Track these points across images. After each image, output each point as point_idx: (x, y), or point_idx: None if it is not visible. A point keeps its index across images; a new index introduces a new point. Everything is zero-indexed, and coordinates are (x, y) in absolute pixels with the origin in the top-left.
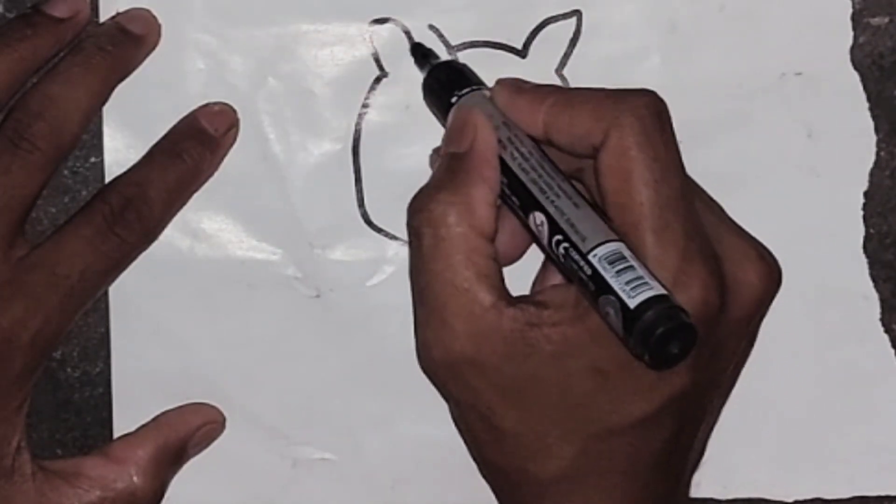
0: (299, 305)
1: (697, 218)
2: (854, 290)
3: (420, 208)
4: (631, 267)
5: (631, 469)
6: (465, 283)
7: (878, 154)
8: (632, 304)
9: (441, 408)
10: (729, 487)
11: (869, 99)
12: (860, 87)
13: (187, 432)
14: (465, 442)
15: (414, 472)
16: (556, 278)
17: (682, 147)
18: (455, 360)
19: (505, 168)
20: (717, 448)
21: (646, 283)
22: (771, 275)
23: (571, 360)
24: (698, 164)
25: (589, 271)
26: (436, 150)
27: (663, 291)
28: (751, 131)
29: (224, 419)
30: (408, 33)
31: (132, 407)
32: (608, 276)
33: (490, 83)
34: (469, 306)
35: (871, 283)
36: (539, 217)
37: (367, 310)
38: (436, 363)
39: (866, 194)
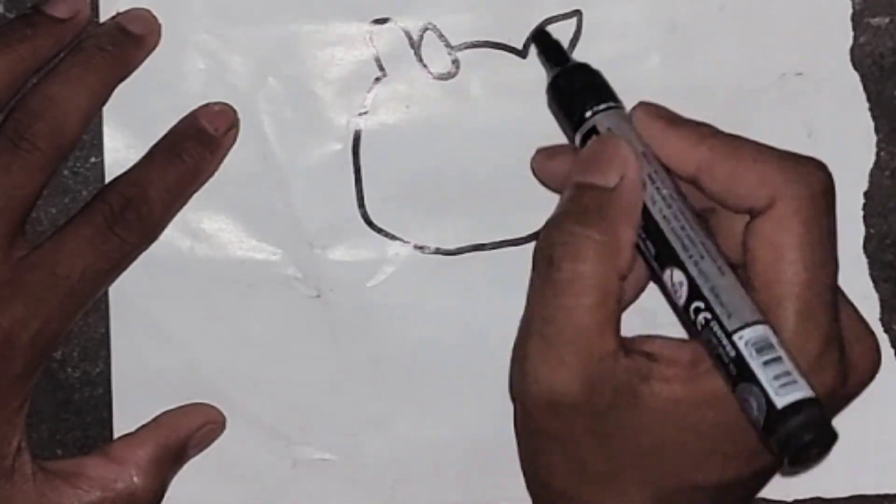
0: (299, 305)
1: (837, 305)
2: (854, 290)
3: (562, 241)
4: (779, 358)
5: None
6: (594, 326)
7: (878, 154)
8: (779, 403)
9: (441, 408)
10: None
11: (869, 99)
12: (860, 87)
13: (187, 432)
14: (527, 460)
15: (414, 472)
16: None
17: None
18: (561, 401)
19: (644, 209)
20: None
21: (795, 382)
22: (878, 360)
23: (677, 417)
24: None
25: (733, 353)
26: (541, 151)
27: (811, 393)
28: (751, 131)
29: (224, 419)
30: (408, 33)
31: (132, 407)
32: (755, 365)
33: (491, 83)
34: (592, 350)
35: (871, 284)
36: (678, 275)
37: (367, 310)
38: (539, 398)
39: (866, 194)
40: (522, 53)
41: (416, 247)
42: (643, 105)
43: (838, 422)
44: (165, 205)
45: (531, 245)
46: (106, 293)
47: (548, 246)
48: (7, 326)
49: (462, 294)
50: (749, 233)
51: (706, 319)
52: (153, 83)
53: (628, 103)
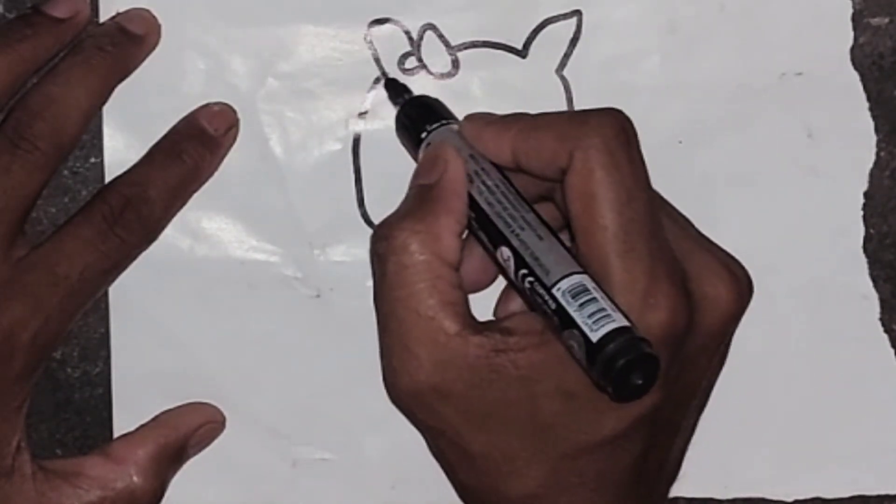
0: (299, 305)
1: (664, 237)
2: (854, 290)
3: (385, 235)
4: (593, 299)
5: (601, 486)
6: (430, 311)
7: (878, 154)
8: (594, 337)
9: None
10: (729, 487)
11: (869, 99)
12: (860, 87)
13: (187, 432)
14: (440, 465)
15: (414, 472)
16: (519, 303)
17: (682, 147)
18: (420, 389)
19: (473, 202)
20: (718, 448)
21: (608, 316)
22: (740, 289)
23: (539, 383)
24: (698, 164)
25: (553, 305)
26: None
27: (625, 323)
28: (751, 131)
29: (224, 419)
30: (408, 33)
31: (132, 407)
32: (571, 309)
33: (490, 83)
34: (433, 334)
35: (870, 283)
36: (506, 252)
37: (367, 310)
38: (402, 391)
39: (866, 194)
40: (522, 53)
41: None
42: (467, 116)
43: (838, 422)
44: (165, 205)
45: None
46: (106, 293)
47: (375, 244)
48: (7, 326)
49: None
50: (563, 194)
51: (531, 283)
52: (153, 83)
53: (628, 103)
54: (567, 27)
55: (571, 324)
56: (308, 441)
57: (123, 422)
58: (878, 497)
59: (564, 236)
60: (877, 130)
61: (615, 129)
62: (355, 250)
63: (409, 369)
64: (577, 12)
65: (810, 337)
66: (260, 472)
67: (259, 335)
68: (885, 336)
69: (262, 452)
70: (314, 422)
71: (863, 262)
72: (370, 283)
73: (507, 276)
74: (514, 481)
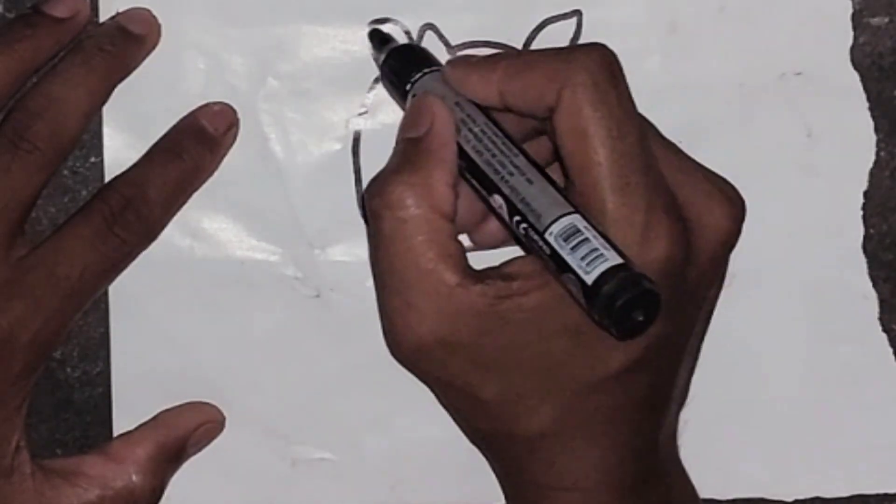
0: (299, 305)
1: (658, 168)
2: (853, 290)
3: (378, 192)
4: (586, 240)
5: (613, 418)
6: (430, 264)
7: (878, 154)
8: (589, 279)
9: (441, 408)
10: (729, 487)
11: (869, 99)
12: (860, 87)
13: (186, 431)
14: (449, 413)
15: (414, 472)
16: (495, 227)
17: (682, 147)
18: (425, 342)
19: (461, 151)
20: (718, 448)
21: (601, 256)
22: (734, 212)
23: (545, 323)
24: None
25: (548, 250)
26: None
27: (619, 261)
28: (751, 131)
29: (223, 418)
30: (408, 33)
31: (132, 407)
32: (564, 253)
33: None
34: (435, 286)
35: (870, 283)
36: (498, 199)
37: (367, 310)
38: (406, 347)
39: (866, 194)
40: None
41: None
42: (449, 60)
43: (838, 421)
44: (165, 205)
45: None
46: (106, 293)
47: (369, 201)
48: (7, 326)
49: None
50: (554, 133)
51: (524, 229)
52: (153, 83)
53: None
54: (567, 27)
55: (566, 267)
56: (307, 441)
57: (123, 421)
58: (878, 497)
59: (557, 173)
60: (877, 130)
61: (602, 64)
62: (355, 250)
63: (412, 324)
64: (577, 12)
65: (810, 337)
66: (259, 472)
67: (259, 335)
68: (885, 336)
69: (261, 452)
70: (314, 422)
71: (863, 262)
72: (370, 282)
73: (503, 222)
74: (526, 421)
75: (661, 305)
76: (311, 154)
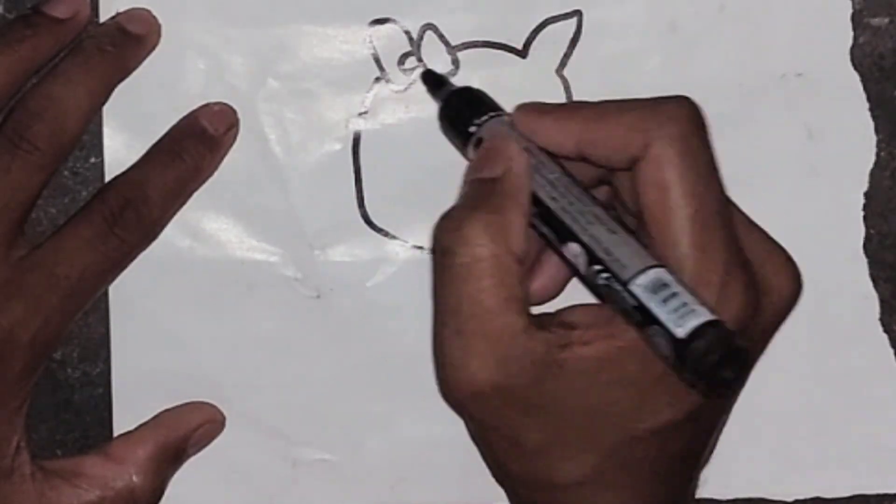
0: (299, 305)
1: (735, 229)
2: (854, 291)
3: (453, 227)
4: (675, 294)
5: (651, 472)
6: (498, 307)
7: (878, 154)
8: (679, 333)
9: (441, 407)
10: (729, 487)
11: (869, 99)
12: (860, 88)
13: (187, 431)
14: (481, 453)
15: (414, 472)
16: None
17: None
18: (482, 388)
19: (535, 197)
20: (718, 448)
21: (692, 311)
22: (797, 278)
23: (602, 374)
24: None
25: (633, 302)
26: (461, 189)
27: (711, 317)
28: (751, 131)
29: (223, 418)
30: (408, 33)
31: (132, 407)
32: (652, 305)
33: (491, 83)
34: (500, 330)
35: (871, 284)
36: (575, 248)
37: (367, 310)
38: (461, 389)
39: (866, 195)
40: (522, 53)
41: (415, 247)
42: (519, 106)
43: (838, 422)
44: (165, 205)
45: None
46: (106, 293)
47: (441, 236)
48: (7, 326)
49: None
50: (634, 182)
51: (606, 279)
52: (153, 83)
53: None
54: (567, 27)
55: (653, 320)
56: (308, 441)
57: (123, 422)
58: (878, 497)
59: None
60: (877, 130)
61: (689, 117)
62: (355, 250)
63: (472, 367)
64: (577, 12)
65: (810, 337)
66: (260, 473)
67: (259, 335)
68: (885, 336)
69: (262, 452)
70: (314, 422)
71: (863, 262)
72: (370, 283)
73: (576, 273)
74: (566, 468)
75: (747, 365)
76: (311, 154)
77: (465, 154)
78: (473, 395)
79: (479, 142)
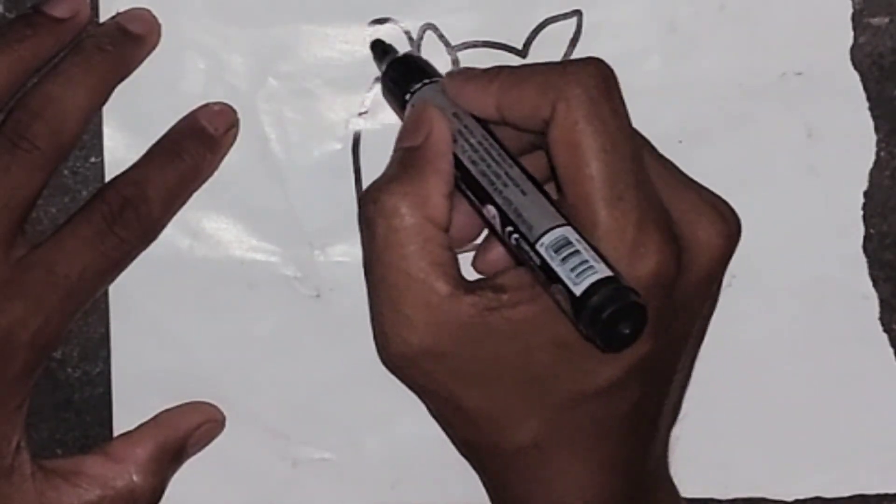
0: (299, 305)
1: (650, 184)
2: (853, 290)
3: (373, 199)
4: (576, 252)
5: (599, 433)
6: (421, 274)
7: (878, 154)
8: (577, 290)
9: None
10: (729, 487)
11: (869, 99)
12: (860, 87)
13: (187, 431)
14: (438, 423)
15: (414, 472)
16: (499, 254)
17: (681, 147)
18: (413, 352)
19: (457, 161)
20: (718, 448)
21: (591, 268)
22: (729, 231)
23: (533, 337)
24: (698, 164)
25: (538, 261)
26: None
27: (608, 273)
28: (751, 131)
29: (224, 418)
30: (408, 33)
31: (132, 407)
32: (554, 264)
33: None
34: (426, 296)
35: (870, 283)
36: (491, 209)
37: (367, 310)
38: (394, 355)
39: (866, 194)
40: (522, 53)
41: None
42: (448, 72)
43: (838, 421)
44: (164, 204)
45: None
46: (106, 293)
47: (363, 208)
48: (6, 326)
49: None
50: (548, 146)
51: (516, 239)
52: (153, 83)
53: (629, 103)
54: (567, 27)
55: (555, 278)
56: (308, 441)
57: (123, 422)
58: (878, 497)
59: (552, 188)
60: (877, 130)
61: (596, 78)
62: (355, 250)
63: (402, 333)
64: (577, 12)
65: (810, 337)
66: (260, 472)
67: (259, 335)
68: (885, 336)
69: (262, 452)
70: (314, 422)
71: (863, 262)
72: None
73: (495, 234)
74: (511, 434)
75: (647, 319)
76: (311, 154)
77: (402, 120)
78: (406, 358)
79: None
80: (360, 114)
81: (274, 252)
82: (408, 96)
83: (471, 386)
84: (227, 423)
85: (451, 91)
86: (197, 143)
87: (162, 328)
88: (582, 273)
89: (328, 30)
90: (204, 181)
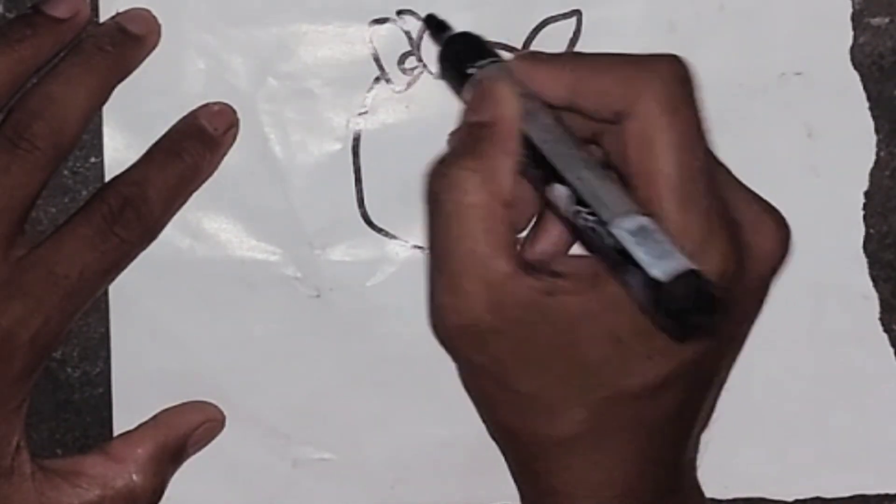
0: (299, 305)
1: (718, 186)
2: (854, 290)
3: (442, 173)
4: (657, 240)
5: (641, 430)
6: (485, 251)
7: (878, 154)
8: (656, 274)
9: (441, 407)
10: (729, 487)
11: (869, 99)
12: (860, 87)
13: (187, 430)
14: (475, 403)
15: (414, 472)
16: (550, 244)
17: None
18: (471, 327)
19: (525, 140)
20: (718, 448)
21: (672, 255)
22: (785, 240)
23: (587, 327)
24: None
25: (613, 243)
26: (454, 133)
27: (690, 265)
28: (751, 131)
29: (224, 417)
30: (408, 33)
31: (132, 407)
32: (633, 247)
33: None
34: (488, 274)
35: (870, 283)
36: (560, 189)
37: (367, 310)
38: (451, 329)
39: (866, 194)
40: None
41: (415, 247)
42: (517, 54)
43: (838, 421)
44: (164, 204)
45: None
46: (106, 293)
47: (431, 183)
48: (6, 326)
49: None
50: (622, 138)
51: (589, 220)
52: (153, 83)
53: None
54: (567, 27)
55: (633, 263)
56: (308, 441)
57: (123, 421)
58: (878, 497)
59: None
60: (877, 130)
61: (678, 74)
62: (355, 250)
63: (461, 307)
64: (577, 12)
65: (810, 337)
66: (260, 472)
67: (259, 335)
68: (885, 336)
69: (262, 452)
70: (314, 422)
71: (863, 262)
72: (370, 282)
73: (561, 217)
74: (554, 422)
75: (724, 314)
76: (311, 154)
77: (461, 97)
78: (463, 333)
79: (477, 86)
80: (360, 114)
81: (274, 252)
82: (471, 70)
83: (522, 368)
84: (227, 423)
85: (520, 72)
86: (197, 143)
87: (162, 328)
88: (663, 258)
89: (328, 30)
90: (204, 181)
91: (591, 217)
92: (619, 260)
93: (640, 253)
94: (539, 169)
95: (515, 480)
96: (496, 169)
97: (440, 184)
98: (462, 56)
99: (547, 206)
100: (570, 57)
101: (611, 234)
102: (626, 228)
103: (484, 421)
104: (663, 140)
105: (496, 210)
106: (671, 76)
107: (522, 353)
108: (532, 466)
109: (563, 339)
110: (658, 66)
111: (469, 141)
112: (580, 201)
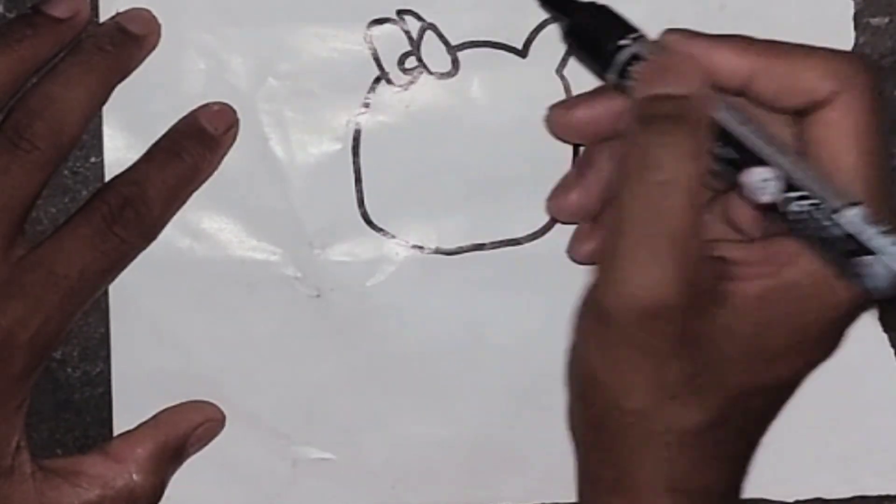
0: (299, 305)
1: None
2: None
3: (660, 142)
4: (888, 231)
5: (756, 426)
6: (688, 228)
7: None
8: None
9: (441, 408)
10: None
11: None
12: None
13: (187, 430)
14: (595, 385)
15: (414, 472)
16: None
17: None
18: (657, 305)
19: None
20: None
21: None
22: None
23: (758, 315)
24: None
25: (840, 232)
26: (553, 107)
27: None
28: None
29: (223, 417)
30: (408, 33)
31: (132, 407)
32: (870, 236)
33: (490, 83)
34: (686, 252)
35: None
36: (763, 173)
37: (367, 310)
38: (633, 303)
39: None
40: (522, 53)
41: (415, 246)
42: (672, 31)
43: (838, 422)
44: (164, 204)
45: (531, 245)
46: (106, 293)
47: (642, 148)
48: (6, 326)
49: (461, 294)
50: (812, 125)
51: (804, 207)
52: (153, 83)
53: None
54: None
55: (869, 251)
56: (308, 441)
57: (123, 421)
58: (878, 497)
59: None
60: None
61: (875, 73)
62: (355, 250)
63: (652, 282)
64: None
65: None
66: (260, 472)
67: (259, 335)
68: (885, 336)
69: (262, 452)
70: (314, 422)
71: None
72: (370, 282)
73: (751, 200)
74: (691, 409)
75: None
76: (311, 154)
77: (595, 70)
78: (643, 312)
79: (633, 59)
80: (361, 113)
81: (274, 252)
82: (623, 42)
83: (682, 354)
84: (227, 423)
85: (694, 48)
86: (197, 143)
87: (162, 328)
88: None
89: (328, 30)
90: (204, 181)
91: (807, 203)
92: (850, 248)
93: (879, 242)
94: (733, 148)
95: (584, 473)
96: (698, 145)
97: (658, 151)
98: (604, 28)
99: (737, 191)
100: (749, 38)
101: (837, 222)
102: (856, 215)
103: (575, 405)
104: (861, 133)
105: (698, 187)
106: (872, 72)
107: (692, 337)
108: (625, 459)
109: (731, 326)
110: (862, 60)
111: (676, 113)
112: (789, 185)
